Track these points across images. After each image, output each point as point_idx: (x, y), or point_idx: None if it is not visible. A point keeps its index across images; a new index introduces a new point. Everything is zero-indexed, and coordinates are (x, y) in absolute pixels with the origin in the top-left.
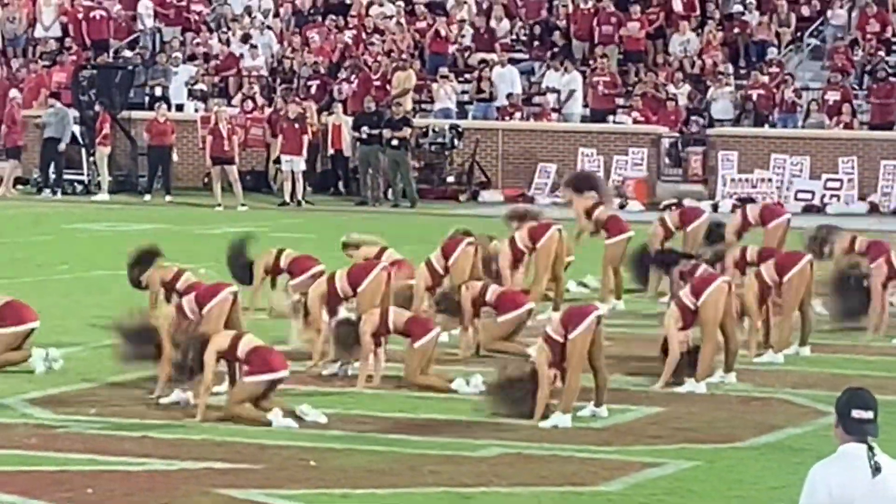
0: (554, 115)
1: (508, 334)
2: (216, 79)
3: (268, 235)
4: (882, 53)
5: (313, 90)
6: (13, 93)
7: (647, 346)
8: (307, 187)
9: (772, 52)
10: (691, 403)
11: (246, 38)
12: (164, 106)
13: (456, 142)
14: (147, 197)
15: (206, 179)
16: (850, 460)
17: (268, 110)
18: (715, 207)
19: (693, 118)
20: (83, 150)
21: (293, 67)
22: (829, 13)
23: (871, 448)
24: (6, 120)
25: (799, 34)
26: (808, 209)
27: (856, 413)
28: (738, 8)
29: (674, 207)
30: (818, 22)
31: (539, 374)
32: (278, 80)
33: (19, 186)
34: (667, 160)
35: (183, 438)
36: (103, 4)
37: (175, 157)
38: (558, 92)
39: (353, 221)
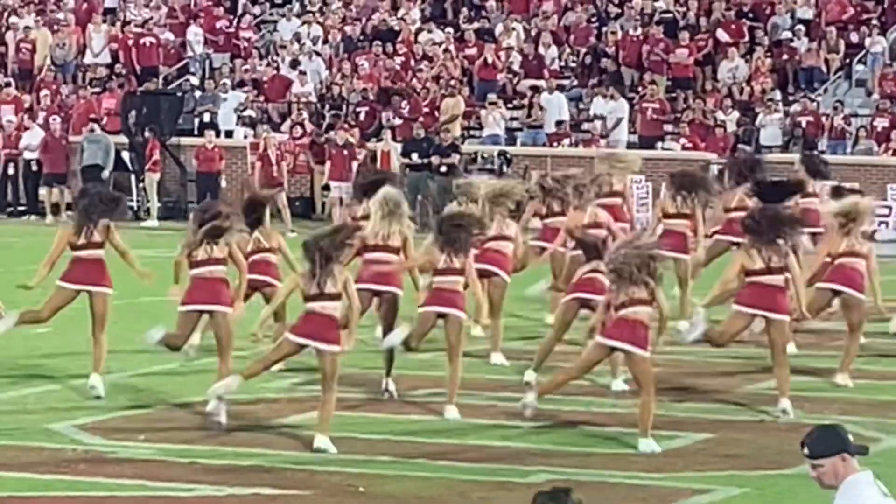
0: (602, 142)
1: None
2: (265, 105)
3: None
4: None
5: (362, 116)
6: (54, 119)
7: (694, 371)
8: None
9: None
10: (740, 430)
11: (295, 65)
12: (212, 132)
13: (504, 168)
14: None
15: None
16: (870, 487)
17: (317, 137)
18: None
19: (741, 145)
20: (132, 177)
21: (342, 94)
22: (867, 41)
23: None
24: (48, 147)
25: (847, 61)
26: None
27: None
28: (786, 34)
29: None
30: (867, 49)
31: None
32: (327, 107)
33: (68, 213)
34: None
35: (232, 464)
36: (153, 31)
37: (223, 184)
38: (605, 119)
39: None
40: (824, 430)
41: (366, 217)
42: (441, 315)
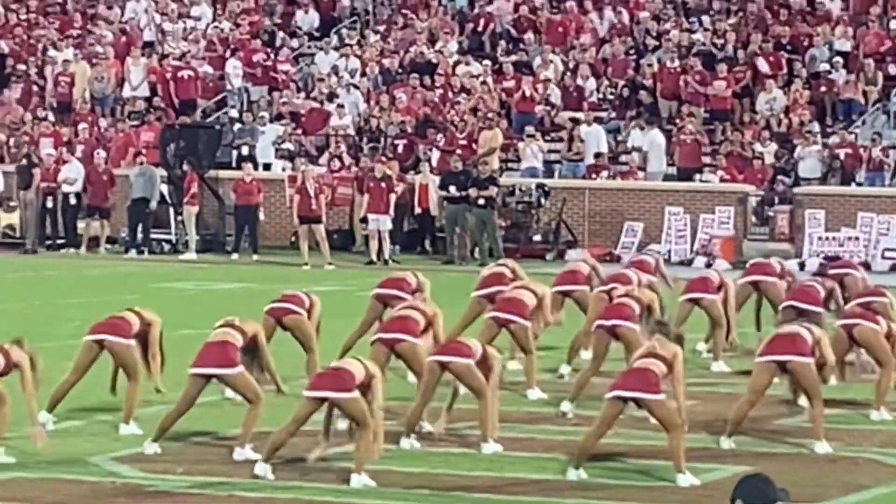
0: (640, 174)
1: None
2: (303, 138)
3: (354, 294)
4: None
5: (400, 149)
6: (98, 152)
7: (731, 403)
8: (394, 246)
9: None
10: (779, 462)
11: (332, 98)
12: (250, 165)
13: (542, 200)
14: (234, 256)
15: (293, 238)
16: None
17: (354, 169)
18: (802, 266)
19: (779, 177)
20: (170, 210)
21: (380, 126)
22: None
23: None
24: (90, 179)
25: (885, 93)
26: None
27: None
28: (824, 66)
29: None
30: None
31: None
32: (365, 140)
33: (107, 245)
34: (753, 219)
35: (270, 497)
36: (191, 64)
37: (261, 217)
38: (642, 150)
39: (439, 280)
40: (756, 481)
41: None
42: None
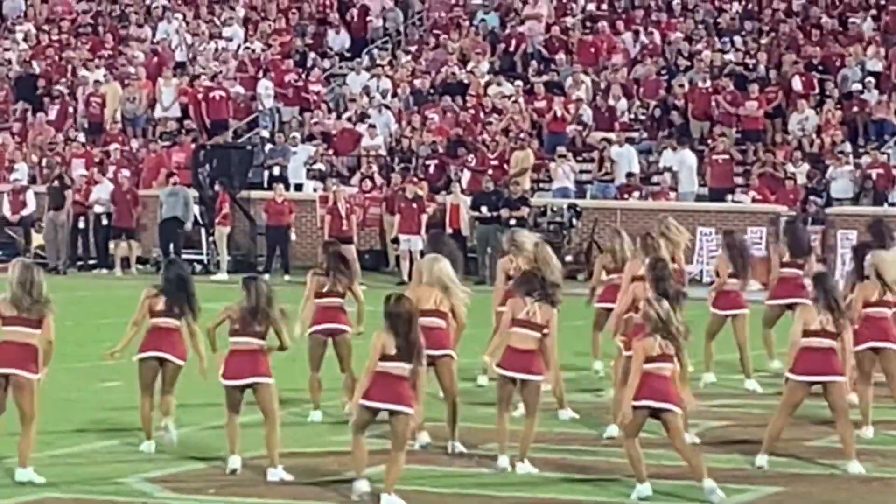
0: (672, 195)
1: None
2: (334, 158)
3: None
4: None
5: (431, 169)
6: (122, 172)
7: (763, 424)
8: None
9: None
10: (811, 483)
11: (364, 118)
12: (282, 186)
13: (574, 221)
14: (266, 276)
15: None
16: None
17: (386, 189)
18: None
19: (812, 197)
20: (202, 230)
21: (411, 147)
22: None
23: None
24: (114, 200)
25: None
26: None
27: None
28: (856, 86)
29: None
30: None
31: None
32: (396, 160)
33: (139, 266)
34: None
35: None
36: (223, 85)
37: (293, 237)
38: (673, 171)
39: (471, 301)
40: None
41: None
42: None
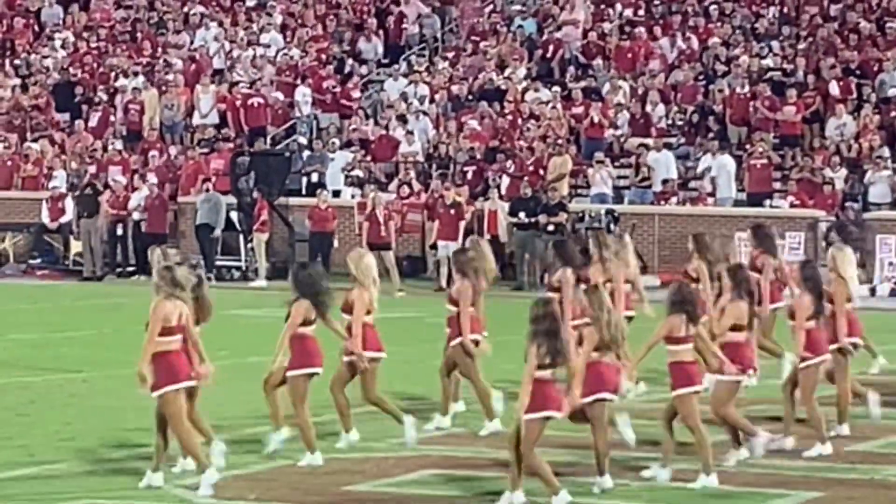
0: (710, 200)
1: None
2: (372, 165)
3: (425, 321)
4: None
5: (469, 175)
6: (150, 179)
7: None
8: None
9: None
10: (851, 488)
11: (402, 124)
12: (326, 192)
13: (612, 226)
14: None
15: None
16: None
17: (424, 196)
18: (873, 292)
19: (848, 203)
20: (240, 237)
21: (449, 153)
22: None
23: None
24: (145, 207)
25: None
26: None
27: None
28: (894, 91)
29: None
30: None
31: None
32: (434, 166)
33: None
34: (824, 244)
35: None
36: (261, 91)
37: (335, 244)
38: (710, 175)
39: (509, 307)
40: None
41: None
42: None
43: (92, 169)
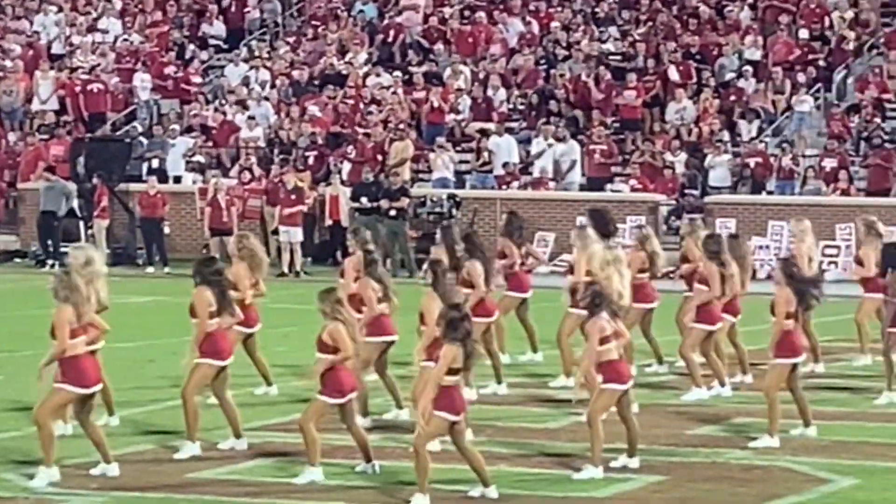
0: (552, 184)
1: None
2: (214, 150)
3: (267, 307)
4: (878, 120)
5: (311, 161)
6: None
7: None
8: (306, 258)
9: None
10: (693, 472)
11: (243, 109)
12: (154, 178)
13: (454, 211)
14: (150, 269)
15: (203, 251)
16: None
17: (265, 181)
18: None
19: (687, 190)
20: (81, 223)
21: (291, 138)
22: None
23: None
24: None
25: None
26: None
27: None
28: (733, 76)
29: None
30: (814, 89)
31: None
32: (276, 151)
33: (17, 259)
34: (664, 228)
35: None
36: (101, 77)
37: (166, 230)
38: (555, 160)
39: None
40: None
41: None
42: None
43: None
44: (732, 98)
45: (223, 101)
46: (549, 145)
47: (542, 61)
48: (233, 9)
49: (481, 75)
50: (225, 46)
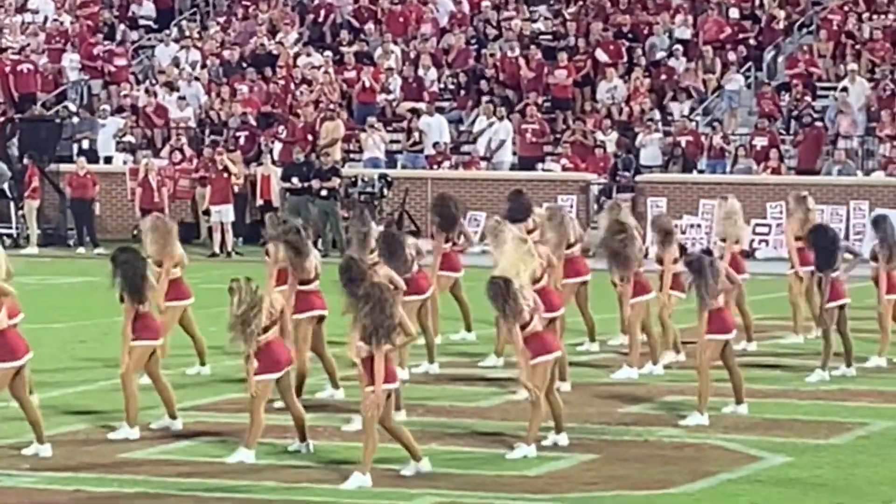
0: (483, 164)
1: None
2: (145, 130)
3: (198, 287)
4: (808, 99)
5: (242, 141)
6: None
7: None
8: (237, 238)
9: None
10: (625, 449)
11: (173, 90)
12: (83, 159)
13: (385, 191)
14: (81, 249)
15: (135, 231)
16: None
17: (196, 161)
18: (646, 254)
19: (620, 171)
20: (11, 204)
21: (221, 118)
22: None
23: None
24: None
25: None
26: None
27: None
28: (664, 54)
29: None
30: (744, 68)
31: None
32: (207, 132)
33: None
34: (596, 207)
35: (116, 492)
36: (30, 58)
37: (97, 211)
38: (489, 137)
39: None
40: None
41: None
42: None
43: None
44: (663, 77)
45: (153, 82)
46: (490, 124)
47: (473, 41)
48: None
49: (412, 55)
50: (155, 27)
